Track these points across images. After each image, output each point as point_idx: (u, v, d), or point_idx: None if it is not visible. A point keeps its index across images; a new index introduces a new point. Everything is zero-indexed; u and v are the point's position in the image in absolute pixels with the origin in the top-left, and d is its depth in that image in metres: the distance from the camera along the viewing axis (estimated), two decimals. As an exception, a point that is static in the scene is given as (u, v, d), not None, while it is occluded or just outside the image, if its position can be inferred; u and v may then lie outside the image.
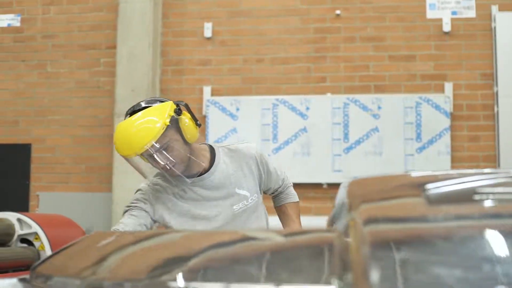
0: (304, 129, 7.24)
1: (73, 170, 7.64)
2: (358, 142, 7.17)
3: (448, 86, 7.18)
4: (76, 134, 7.68)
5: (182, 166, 2.73)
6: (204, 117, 7.35)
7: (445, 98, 7.13)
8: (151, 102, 2.74)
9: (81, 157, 7.65)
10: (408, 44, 7.34)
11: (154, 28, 7.50)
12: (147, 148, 2.61)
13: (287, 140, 7.23)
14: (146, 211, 2.83)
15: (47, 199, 7.56)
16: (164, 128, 2.63)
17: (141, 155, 2.67)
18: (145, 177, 2.84)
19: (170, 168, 2.69)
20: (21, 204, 7.43)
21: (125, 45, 7.45)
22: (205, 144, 2.95)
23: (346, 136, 7.19)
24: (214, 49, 7.59)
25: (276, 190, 3.08)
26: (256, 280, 1.06)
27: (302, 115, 7.27)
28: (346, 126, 7.20)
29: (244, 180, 2.88)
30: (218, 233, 1.73)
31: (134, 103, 2.85)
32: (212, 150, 2.91)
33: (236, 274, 1.11)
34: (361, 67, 7.37)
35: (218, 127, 7.31)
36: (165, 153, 2.66)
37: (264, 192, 3.06)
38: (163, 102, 2.73)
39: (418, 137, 7.10)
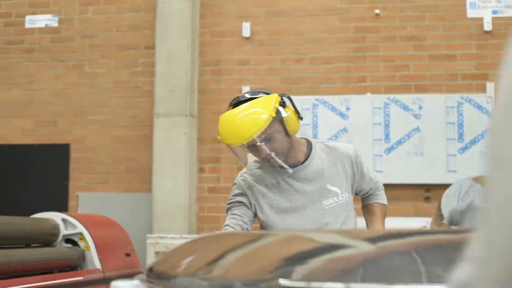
0: (345, 129, 7.19)
1: (112, 170, 7.64)
2: (399, 142, 7.10)
3: (490, 86, 7.10)
4: (115, 134, 7.68)
5: (282, 157, 2.80)
6: (243, 117, 7.30)
7: (487, 98, 7.05)
8: (255, 93, 2.81)
9: (120, 157, 7.65)
10: (448, 44, 7.27)
11: (192, 28, 7.48)
12: (254, 138, 2.69)
13: (328, 140, 7.18)
14: (245, 205, 2.93)
15: (87, 199, 7.57)
16: (270, 120, 2.70)
17: (244, 144, 2.74)
18: (244, 165, 2.93)
19: (272, 158, 2.77)
20: (61, 204, 7.45)
21: (164, 45, 7.44)
22: (304, 138, 3.01)
23: (387, 136, 7.13)
24: (252, 49, 7.56)
25: (367, 192, 3.12)
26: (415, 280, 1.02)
27: (342, 115, 7.22)
28: (386, 126, 7.14)
29: (336, 177, 2.92)
30: (346, 232, 1.68)
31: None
32: (309, 144, 2.97)
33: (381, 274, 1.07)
34: (401, 66, 7.30)
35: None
36: (268, 143, 2.74)
37: (356, 194, 3.10)
38: (268, 94, 2.81)
39: (460, 137, 7.02)
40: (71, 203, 7.62)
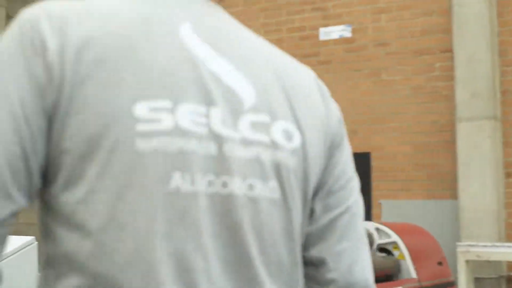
0: None
1: (414, 177, 7.58)
2: None
3: None
4: (415, 141, 7.61)
5: None
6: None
7: None
8: None
9: (421, 164, 7.56)
10: None
11: (491, 28, 7.19)
12: None
13: None
14: None
15: (389, 207, 7.58)
16: None
17: None
18: None
19: None
20: (364, 213, 7.51)
21: (463, 48, 7.24)
22: None
23: None
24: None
25: None
26: None
27: None
28: None
29: None
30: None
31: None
32: None
33: None
34: None
35: None
36: None
37: None
38: None
39: None
40: (374, 211, 7.67)
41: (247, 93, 1.06)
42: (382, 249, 5.47)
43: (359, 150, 7.84)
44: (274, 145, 1.05)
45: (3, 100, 0.93)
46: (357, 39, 8.09)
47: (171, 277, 0.95)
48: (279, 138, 1.06)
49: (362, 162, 7.77)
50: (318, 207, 1.14)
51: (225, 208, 1.00)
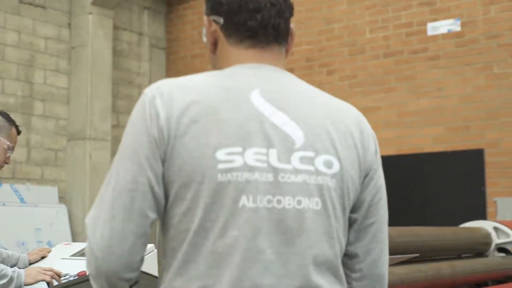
0: None
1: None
2: None
3: None
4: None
5: None
6: None
7: None
8: None
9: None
10: None
11: None
12: None
13: None
14: None
15: (505, 205, 7.27)
16: None
17: None
18: None
19: None
20: (478, 211, 7.25)
21: None
22: None
23: None
24: None
25: None
26: None
27: None
28: None
29: None
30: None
31: None
32: None
33: None
34: None
35: None
36: None
37: None
38: None
39: None
40: (489, 209, 7.38)
41: (297, 137, 1.55)
42: (501, 249, 5.22)
43: (471, 147, 7.57)
44: (317, 172, 1.54)
45: (135, 155, 1.52)
46: (467, 32, 7.81)
47: (238, 262, 1.49)
48: (321, 167, 1.55)
49: (475, 159, 7.49)
50: (358, 217, 1.65)
51: (280, 218, 1.51)
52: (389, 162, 7.87)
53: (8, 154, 3.35)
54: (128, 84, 9.71)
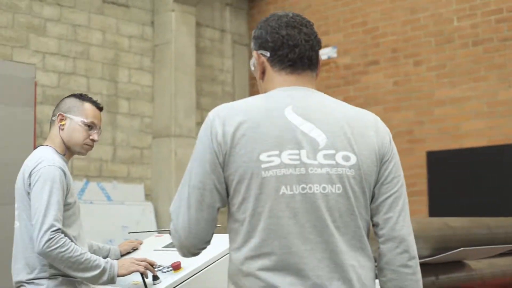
0: None
1: None
2: None
3: None
4: None
5: None
6: None
7: None
8: None
9: None
10: None
11: None
12: None
13: None
14: None
15: None
16: None
17: None
18: None
19: None
20: None
21: None
22: None
23: None
24: None
25: None
26: None
27: None
28: None
29: None
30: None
31: None
32: None
33: None
34: None
35: None
36: None
37: None
38: None
39: None
40: None
41: (321, 140, 2.07)
42: None
43: None
44: (337, 165, 2.06)
45: (202, 163, 2.10)
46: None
47: (285, 235, 2.02)
48: (341, 160, 2.06)
49: None
50: (376, 193, 2.14)
51: (311, 200, 2.04)
52: (480, 153, 7.63)
53: (91, 132, 3.26)
54: (211, 81, 9.72)
